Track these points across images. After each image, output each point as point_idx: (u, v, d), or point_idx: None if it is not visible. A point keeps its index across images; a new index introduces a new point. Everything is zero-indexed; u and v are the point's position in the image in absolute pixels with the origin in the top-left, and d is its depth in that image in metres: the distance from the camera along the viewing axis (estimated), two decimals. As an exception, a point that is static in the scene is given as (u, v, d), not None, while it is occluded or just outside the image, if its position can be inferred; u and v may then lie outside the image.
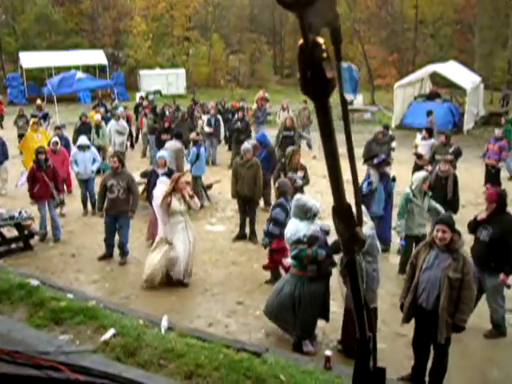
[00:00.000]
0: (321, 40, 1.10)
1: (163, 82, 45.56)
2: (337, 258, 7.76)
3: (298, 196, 8.19)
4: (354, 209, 1.39)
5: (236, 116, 20.31)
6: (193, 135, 16.25)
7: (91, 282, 10.34)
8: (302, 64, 1.11)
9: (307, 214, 7.74)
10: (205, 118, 21.16)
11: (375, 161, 11.69)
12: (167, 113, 22.51)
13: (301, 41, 1.10)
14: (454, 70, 30.45)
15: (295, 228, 7.71)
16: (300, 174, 12.02)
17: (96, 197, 12.80)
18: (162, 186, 10.06)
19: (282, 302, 7.91)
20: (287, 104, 23.68)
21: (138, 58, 50.22)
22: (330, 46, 1.24)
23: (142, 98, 26.68)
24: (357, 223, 1.40)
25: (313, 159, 20.05)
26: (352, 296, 1.60)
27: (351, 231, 1.40)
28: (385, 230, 11.61)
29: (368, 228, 7.25)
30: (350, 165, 1.40)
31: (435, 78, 33.71)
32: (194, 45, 54.36)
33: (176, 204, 9.81)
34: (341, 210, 1.36)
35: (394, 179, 12.00)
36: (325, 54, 1.11)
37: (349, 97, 22.65)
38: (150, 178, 12.34)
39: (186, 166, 15.23)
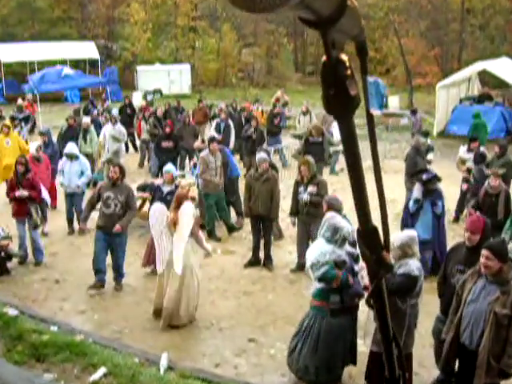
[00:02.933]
0: (345, 57, 1.22)
1: (164, 79, 45.90)
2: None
3: (331, 214, 8.29)
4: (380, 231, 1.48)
5: (249, 124, 20.36)
6: (197, 143, 16.42)
7: (78, 313, 10.42)
8: (325, 82, 1.23)
9: (335, 235, 7.83)
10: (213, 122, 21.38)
11: (424, 176, 11.75)
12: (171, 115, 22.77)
13: (324, 58, 1.21)
14: (506, 68, 30.37)
15: (319, 250, 7.80)
16: (312, 189, 11.96)
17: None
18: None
19: (302, 341, 7.97)
20: (308, 107, 23.82)
21: (135, 51, 50.67)
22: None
23: (128, 98, 26.50)
24: (383, 247, 1.50)
25: (341, 172, 20.13)
26: (379, 329, 1.68)
27: (377, 256, 1.49)
28: (432, 257, 11.62)
29: (414, 266, 7.23)
30: (376, 187, 1.50)
31: (485, 76, 33.68)
32: (200, 37, 54.80)
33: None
34: (366, 233, 1.46)
35: None
36: (349, 72, 1.22)
37: (375, 112, 22.81)
38: (154, 195, 12.52)
39: (191, 178, 15.40)
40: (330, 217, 8.13)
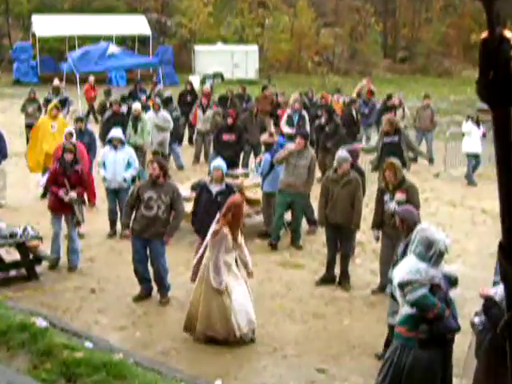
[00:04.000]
0: (509, 34, 1.17)
1: (227, 62, 46.39)
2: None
3: (423, 225, 8.17)
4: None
5: (321, 114, 20.27)
6: (265, 137, 16.41)
7: (117, 329, 10.56)
8: (484, 61, 1.18)
9: (429, 251, 7.71)
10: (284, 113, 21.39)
11: None
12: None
13: (485, 33, 1.17)
14: None
15: (412, 268, 7.69)
16: (400, 196, 11.72)
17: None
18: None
19: (384, 375, 7.90)
20: (401, 100, 23.64)
21: (194, 28, 51.08)
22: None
23: (190, 83, 27.02)
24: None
25: (435, 178, 19.92)
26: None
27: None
28: None
29: None
30: None
31: None
32: (271, 13, 55.01)
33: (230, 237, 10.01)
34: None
35: None
36: None
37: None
38: (199, 195, 12.42)
39: (255, 178, 15.44)
40: (421, 228, 8.00)
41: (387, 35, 63.06)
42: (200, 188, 12.80)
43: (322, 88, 35.88)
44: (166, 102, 21.42)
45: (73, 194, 12.49)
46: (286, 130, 20.56)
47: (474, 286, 10.77)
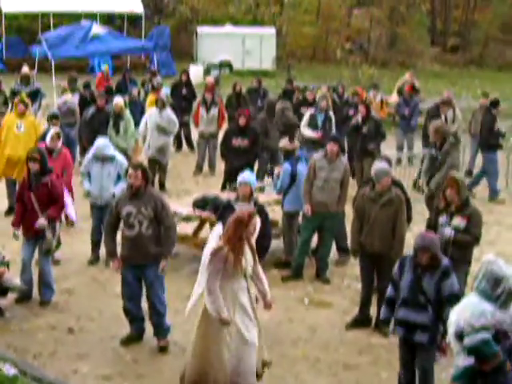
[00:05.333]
0: None
1: (237, 48, 46.46)
2: None
3: (490, 257, 8.18)
4: None
5: (358, 113, 20.32)
6: (284, 142, 16.41)
7: (101, 378, 10.50)
8: None
9: (496, 289, 7.73)
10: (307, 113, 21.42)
11: None
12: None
13: None
14: None
15: (475, 309, 7.72)
16: (460, 221, 11.67)
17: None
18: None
19: None
20: (451, 96, 23.63)
21: (196, 5, 51.18)
22: None
23: (186, 72, 26.99)
24: None
25: (501, 204, 20.04)
26: None
27: None
28: None
29: None
30: None
31: None
32: (293, -12, 55.20)
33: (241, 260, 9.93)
34: None
35: None
36: None
37: None
38: (222, 216, 12.23)
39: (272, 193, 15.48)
40: (488, 261, 8.03)
41: (435, 18, 62.98)
42: (224, 207, 12.86)
43: (355, 82, 35.95)
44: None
45: (42, 222, 12.43)
46: (308, 133, 20.54)
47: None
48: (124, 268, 11.41)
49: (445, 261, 9.34)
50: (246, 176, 12.70)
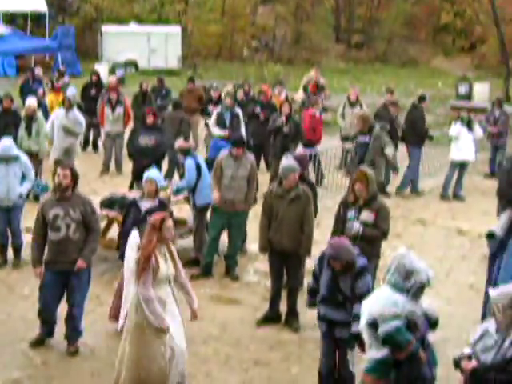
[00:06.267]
0: None
1: (142, 47, 46.23)
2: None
3: (402, 251, 8.33)
4: None
5: (279, 113, 20.33)
6: (179, 142, 16.34)
7: (10, 383, 10.38)
8: None
9: (407, 281, 7.85)
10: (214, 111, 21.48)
11: None
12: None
13: None
14: None
15: (386, 300, 7.83)
16: (367, 216, 11.67)
17: (23, 238, 13.02)
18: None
19: None
20: (357, 94, 23.86)
21: (101, 4, 50.89)
22: None
23: (96, 73, 26.92)
24: None
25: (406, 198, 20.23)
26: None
27: None
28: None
29: None
30: None
31: None
32: (197, -14, 55.15)
33: (162, 266, 9.84)
34: None
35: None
36: None
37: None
38: (127, 214, 12.38)
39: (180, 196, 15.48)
40: (400, 254, 8.14)
41: (340, 15, 63.53)
42: (128, 205, 12.78)
43: (261, 80, 36.07)
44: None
45: None
46: (217, 131, 20.65)
47: (450, 324, 10.97)
48: (47, 271, 11.16)
49: (360, 261, 9.43)
50: (152, 173, 12.57)
